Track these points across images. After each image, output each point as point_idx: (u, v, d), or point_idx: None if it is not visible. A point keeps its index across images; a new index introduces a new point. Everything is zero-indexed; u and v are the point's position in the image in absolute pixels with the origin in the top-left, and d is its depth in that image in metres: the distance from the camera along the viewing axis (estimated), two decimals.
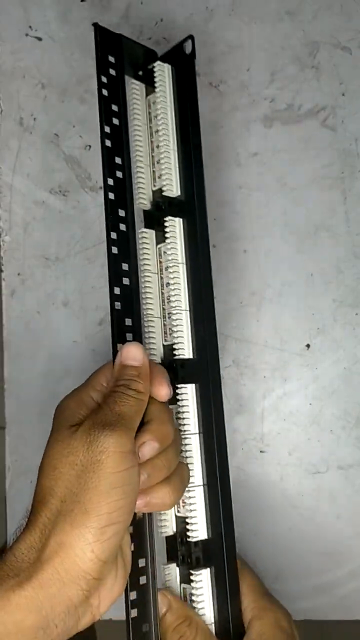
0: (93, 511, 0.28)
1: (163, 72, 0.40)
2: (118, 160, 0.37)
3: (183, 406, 0.37)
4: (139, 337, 0.36)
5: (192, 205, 0.39)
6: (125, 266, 0.36)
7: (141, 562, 0.34)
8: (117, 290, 0.35)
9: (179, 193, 0.40)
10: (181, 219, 0.39)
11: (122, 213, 0.36)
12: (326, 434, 0.46)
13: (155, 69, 0.40)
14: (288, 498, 0.46)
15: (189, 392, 0.37)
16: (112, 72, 0.38)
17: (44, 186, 0.50)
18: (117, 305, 0.35)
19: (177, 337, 0.37)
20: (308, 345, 0.46)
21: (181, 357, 0.37)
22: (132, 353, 0.33)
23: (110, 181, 0.36)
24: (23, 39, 0.51)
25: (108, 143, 0.36)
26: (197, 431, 0.37)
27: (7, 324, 0.50)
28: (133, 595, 0.33)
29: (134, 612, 0.33)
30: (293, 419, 0.46)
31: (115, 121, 0.37)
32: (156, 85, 0.40)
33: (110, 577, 0.30)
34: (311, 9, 0.48)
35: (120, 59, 0.38)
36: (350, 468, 0.45)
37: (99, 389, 0.34)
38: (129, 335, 0.35)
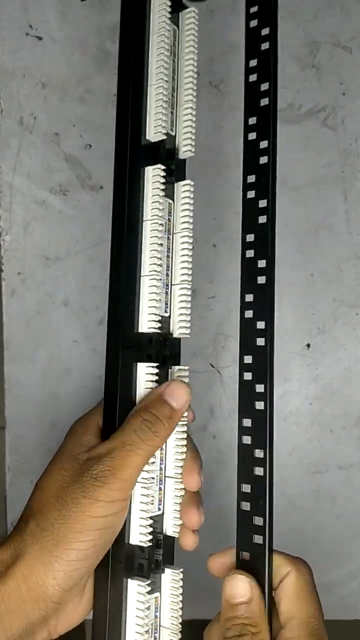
0: (63, 545, 0.28)
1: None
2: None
3: None
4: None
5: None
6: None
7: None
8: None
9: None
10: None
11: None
12: (326, 433, 0.46)
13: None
14: (288, 498, 0.46)
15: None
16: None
17: (44, 186, 0.50)
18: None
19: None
20: (308, 345, 0.46)
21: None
22: (177, 392, 0.31)
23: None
24: (23, 39, 0.51)
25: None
26: None
27: (7, 323, 0.50)
28: None
29: None
30: (293, 418, 0.46)
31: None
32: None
33: (72, 603, 0.31)
34: (312, 8, 0.48)
35: None
36: (351, 468, 0.45)
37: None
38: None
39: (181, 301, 0.32)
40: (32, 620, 0.29)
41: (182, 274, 0.32)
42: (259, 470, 0.31)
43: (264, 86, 0.33)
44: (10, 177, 0.51)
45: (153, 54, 0.32)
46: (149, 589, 0.31)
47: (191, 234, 0.32)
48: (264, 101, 0.33)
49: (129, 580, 0.31)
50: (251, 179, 0.33)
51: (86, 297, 0.49)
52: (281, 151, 0.48)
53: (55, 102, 0.51)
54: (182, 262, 0.32)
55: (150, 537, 0.31)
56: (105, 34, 0.50)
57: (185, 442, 0.33)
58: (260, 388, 0.31)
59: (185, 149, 0.33)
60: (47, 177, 0.50)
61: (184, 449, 0.33)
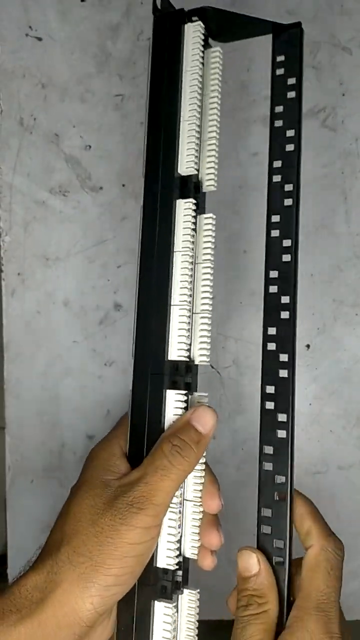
0: (102, 571, 0.29)
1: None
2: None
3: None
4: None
5: None
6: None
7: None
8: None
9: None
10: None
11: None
12: (326, 433, 0.46)
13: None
14: None
15: None
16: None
17: (44, 186, 0.50)
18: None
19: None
20: (308, 346, 0.46)
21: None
22: (204, 418, 0.32)
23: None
24: (23, 39, 0.51)
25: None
26: None
27: (7, 323, 0.50)
28: None
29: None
30: None
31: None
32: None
33: (102, 625, 0.32)
34: (312, 8, 0.48)
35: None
36: (351, 468, 0.45)
37: (124, 437, 0.34)
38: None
39: (202, 329, 0.34)
40: None
41: (204, 304, 0.34)
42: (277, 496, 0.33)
43: (289, 132, 0.35)
44: (10, 178, 0.51)
45: (186, 90, 0.34)
46: (175, 610, 0.32)
47: (213, 265, 0.33)
48: (290, 147, 0.34)
49: (155, 602, 0.32)
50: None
51: (86, 297, 0.49)
52: None
53: (55, 102, 0.51)
54: (204, 292, 0.34)
55: (177, 559, 0.32)
56: (105, 34, 0.50)
57: (204, 467, 0.34)
58: (282, 417, 0.33)
59: (208, 184, 0.35)
60: (47, 177, 0.50)
61: (203, 473, 0.34)
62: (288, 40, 0.36)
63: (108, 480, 0.32)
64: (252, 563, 0.32)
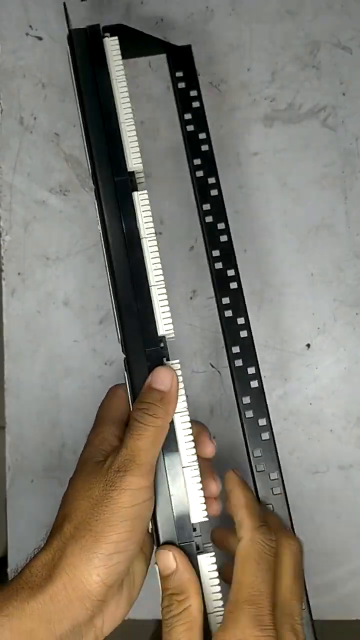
0: (102, 539, 0.30)
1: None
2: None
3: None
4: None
5: None
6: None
7: None
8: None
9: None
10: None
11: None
12: (326, 433, 0.46)
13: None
14: (288, 498, 0.46)
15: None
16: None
17: (45, 185, 0.50)
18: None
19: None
20: (308, 345, 0.46)
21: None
22: (161, 377, 0.34)
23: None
24: (23, 38, 0.51)
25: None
26: None
27: (7, 323, 0.50)
28: None
29: None
30: (293, 418, 0.46)
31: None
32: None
33: (114, 600, 0.32)
34: (312, 8, 0.48)
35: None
36: (351, 468, 0.45)
37: (118, 422, 0.36)
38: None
39: (162, 301, 0.36)
40: (80, 620, 0.30)
41: (157, 275, 0.37)
42: None
43: (202, 135, 0.42)
44: (10, 177, 0.51)
45: (118, 97, 0.39)
46: (215, 559, 0.34)
47: (154, 236, 0.37)
48: (204, 147, 0.42)
49: (199, 556, 0.33)
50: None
51: (86, 297, 0.49)
52: (281, 151, 0.48)
53: (55, 102, 0.51)
54: (154, 264, 0.37)
55: (206, 512, 0.34)
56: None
57: (189, 425, 0.35)
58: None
59: (139, 176, 0.39)
60: (47, 177, 0.50)
61: (189, 430, 0.35)
62: (183, 58, 0.44)
63: (99, 460, 0.33)
64: (170, 561, 0.33)
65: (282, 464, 0.46)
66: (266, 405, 0.38)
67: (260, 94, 0.48)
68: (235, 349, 0.38)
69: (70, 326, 0.49)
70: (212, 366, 0.47)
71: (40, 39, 0.51)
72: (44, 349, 0.49)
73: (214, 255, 0.40)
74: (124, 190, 0.38)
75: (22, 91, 0.51)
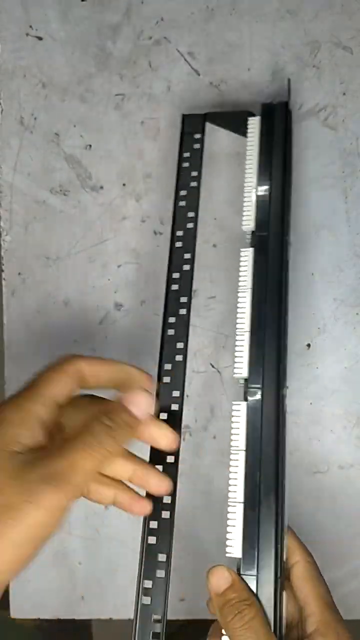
0: None
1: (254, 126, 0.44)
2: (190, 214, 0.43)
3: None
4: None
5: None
6: None
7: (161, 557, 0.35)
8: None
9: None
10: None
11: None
12: (327, 433, 0.46)
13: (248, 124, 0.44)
14: (288, 498, 0.46)
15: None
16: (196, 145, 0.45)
17: (45, 185, 0.50)
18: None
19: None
20: (309, 345, 0.46)
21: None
22: (141, 403, 0.31)
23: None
24: (24, 38, 0.51)
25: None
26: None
27: (7, 323, 0.50)
28: None
29: None
30: (294, 418, 0.46)
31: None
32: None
33: None
34: (312, 8, 0.48)
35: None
36: (351, 468, 0.45)
37: (52, 405, 0.30)
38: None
39: None
40: None
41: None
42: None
43: (190, 214, 0.43)
44: (10, 177, 0.51)
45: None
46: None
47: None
48: (190, 224, 0.43)
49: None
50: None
51: (86, 296, 0.49)
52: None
53: (55, 101, 0.51)
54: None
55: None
56: (105, 34, 0.50)
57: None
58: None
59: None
60: (48, 176, 0.50)
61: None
62: (195, 141, 0.45)
63: (15, 452, 0.27)
64: (224, 576, 0.33)
65: None
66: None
67: (260, 93, 0.48)
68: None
69: (70, 326, 0.49)
70: (212, 366, 0.47)
71: (40, 39, 0.51)
72: (44, 349, 0.49)
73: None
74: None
75: (22, 91, 0.51)
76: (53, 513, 0.26)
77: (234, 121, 0.46)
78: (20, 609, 0.48)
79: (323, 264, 0.47)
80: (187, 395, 0.47)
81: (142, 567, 0.34)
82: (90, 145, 0.50)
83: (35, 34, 0.51)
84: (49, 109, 0.51)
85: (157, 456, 0.36)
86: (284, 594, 0.35)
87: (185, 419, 0.46)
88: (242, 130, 0.45)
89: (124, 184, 0.49)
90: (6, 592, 0.48)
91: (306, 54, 0.48)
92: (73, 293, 0.49)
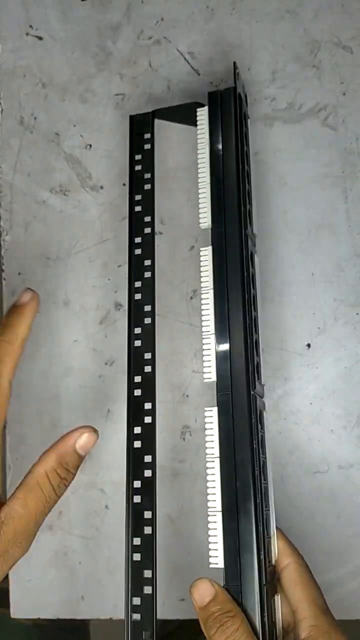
0: None
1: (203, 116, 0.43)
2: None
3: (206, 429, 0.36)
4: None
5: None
6: None
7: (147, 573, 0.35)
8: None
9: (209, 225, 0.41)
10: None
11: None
12: (327, 433, 0.46)
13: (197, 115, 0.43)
14: (288, 498, 0.45)
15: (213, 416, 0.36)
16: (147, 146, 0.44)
17: (45, 185, 0.50)
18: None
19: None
20: (309, 345, 0.46)
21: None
22: (86, 443, 0.34)
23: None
24: (24, 38, 0.51)
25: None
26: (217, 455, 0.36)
27: None
28: None
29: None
30: (294, 418, 0.46)
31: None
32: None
33: None
34: (312, 8, 0.48)
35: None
36: (351, 468, 0.45)
37: None
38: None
39: None
40: None
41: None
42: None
43: (147, 218, 0.43)
44: (10, 177, 0.51)
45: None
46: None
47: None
48: (147, 229, 0.43)
49: None
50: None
51: (86, 296, 0.49)
52: (281, 151, 0.48)
53: (55, 101, 0.51)
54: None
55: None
56: (105, 34, 0.50)
57: None
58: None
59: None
60: (48, 176, 0.50)
61: None
62: (145, 142, 0.45)
63: None
64: (207, 588, 0.33)
65: (282, 464, 0.46)
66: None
67: (260, 93, 0.48)
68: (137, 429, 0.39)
69: (70, 326, 0.49)
70: None
71: (40, 38, 0.51)
72: (44, 349, 0.49)
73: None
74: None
75: (22, 91, 0.51)
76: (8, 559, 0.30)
77: (185, 114, 0.45)
78: (20, 608, 0.48)
79: (323, 263, 0.47)
80: (187, 395, 0.47)
81: (129, 585, 0.35)
82: (90, 145, 0.50)
83: (35, 33, 0.51)
84: (49, 109, 0.51)
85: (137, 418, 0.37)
86: (278, 598, 0.35)
87: (186, 419, 0.47)
88: (193, 122, 0.43)
89: (124, 184, 0.49)
90: (6, 592, 0.48)
91: (306, 54, 0.48)
92: (73, 292, 0.49)
